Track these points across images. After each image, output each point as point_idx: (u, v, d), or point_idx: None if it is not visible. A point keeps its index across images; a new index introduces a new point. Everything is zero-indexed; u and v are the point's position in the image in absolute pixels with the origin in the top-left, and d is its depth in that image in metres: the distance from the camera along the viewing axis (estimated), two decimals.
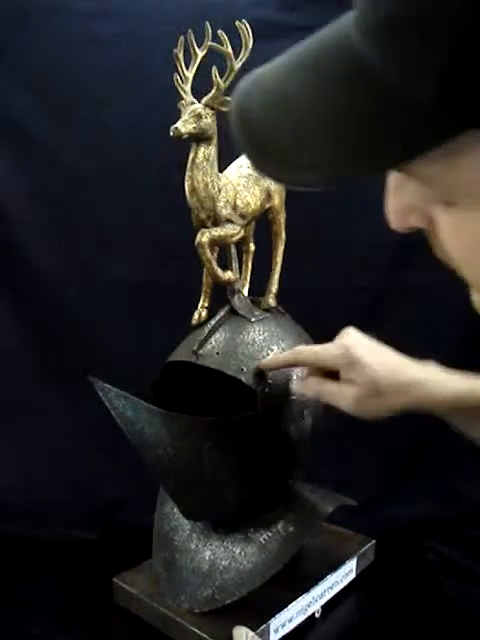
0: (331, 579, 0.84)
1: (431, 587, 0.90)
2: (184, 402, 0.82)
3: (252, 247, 0.89)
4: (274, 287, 0.86)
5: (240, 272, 0.85)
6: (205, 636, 0.72)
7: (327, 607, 0.83)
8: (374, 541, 0.92)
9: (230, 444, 0.70)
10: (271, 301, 0.85)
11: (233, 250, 0.81)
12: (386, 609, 0.87)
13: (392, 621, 0.84)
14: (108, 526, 1.03)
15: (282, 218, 0.86)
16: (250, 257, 0.89)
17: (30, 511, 1.04)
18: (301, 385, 0.65)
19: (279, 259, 0.87)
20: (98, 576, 0.91)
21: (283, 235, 0.87)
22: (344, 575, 0.86)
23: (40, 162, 1.09)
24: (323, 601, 0.82)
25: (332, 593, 0.84)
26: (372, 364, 0.58)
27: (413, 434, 1.18)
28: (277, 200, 0.84)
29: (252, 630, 0.72)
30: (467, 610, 0.85)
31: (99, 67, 1.07)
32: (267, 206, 0.83)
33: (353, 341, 0.61)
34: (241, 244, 0.88)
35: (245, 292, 0.87)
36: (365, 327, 1.16)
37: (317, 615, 0.82)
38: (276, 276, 0.86)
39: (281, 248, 0.87)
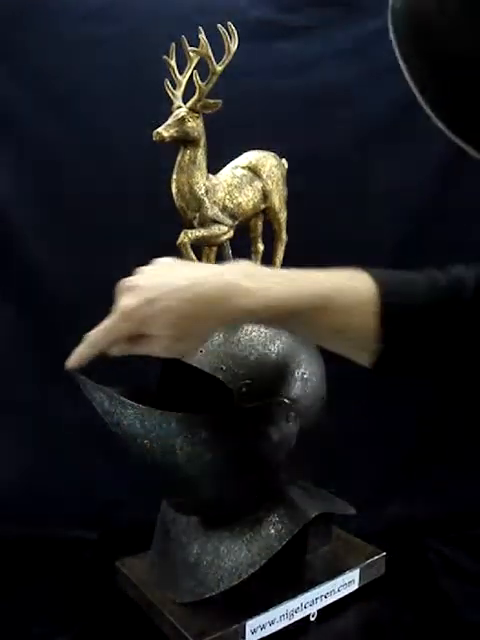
0: (326, 587, 0.83)
1: (431, 587, 0.90)
2: (187, 399, 0.83)
3: (260, 247, 0.89)
4: None
5: None
6: (178, 627, 0.74)
7: (325, 608, 0.83)
8: (384, 553, 0.90)
9: (203, 441, 0.70)
10: None
11: (229, 250, 0.82)
12: (386, 608, 0.87)
13: (392, 620, 0.84)
14: (108, 526, 1.04)
15: (282, 218, 0.86)
16: (259, 258, 0.90)
17: (30, 511, 1.04)
18: (113, 350, 0.57)
19: (278, 260, 0.87)
20: (98, 576, 0.91)
21: (283, 235, 0.88)
22: (343, 585, 0.85)
23: (40, 162, 1.09)
24: (314, 608, 0.82)
25: (327, 601, 0.83)
26: (160, 319, 0.51)
27: (413, 433, 1.18)
28: (275, 200, 0.84)
29: (227, 628, 0.73)
30: (467, 610, 0.85)
31: (99, 67, 1.07)
32: (262, 207, 0.84)
33: (130, 303, 0.53)
34: (250, 244, 0.89)
35: None
36: None
37: (312, 618, 0.82)
38: None
39: (281, 248, 0.87)
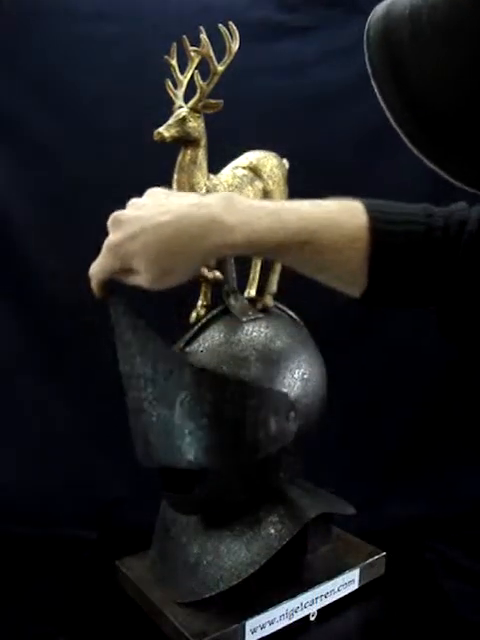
0: (326, 587, 0.83)
1: (431, 587, 0.91)
2: None
3: None
4: (273, 287, 0.86)
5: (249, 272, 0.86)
6: (178, 626, 0.74)
7: (325, 608, 0.83)
8: (384, 553, 0.90)
9: (207, 402, 0.70)
10: (268, 302, 0.85)
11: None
12: (386, 608, 0.87)
13: (391, 620, 0.84)
14: (108, 526, 1.03)
15: None
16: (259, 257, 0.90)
17: (30, 511, 1.04)
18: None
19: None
20: (98, 576, 0.91)
21: None
22: (343, 585, 0.85)
23: (40, 162, 1.09)
24: (314, 608, 0.82)
25: (327, 601, 0.83)
26: (142, 255, 0.52)
27: (413, 433, 1.18)
28: (276, 200, 0.84)
29: (227, 628, 0.74)
30: (467, 610, 0.85)
31: (99, 67, 1.07)
32: None
33: (114, 240, 0.54)
34: None
35: (253, 292, 0.87)
36: (365, 327, 1.17)
37: (312, 618, 0.82)
38: (275, 276, 0.86)
39: None
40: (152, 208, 0.53)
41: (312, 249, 0.50)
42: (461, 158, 0.33)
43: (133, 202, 0.56)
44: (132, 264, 0.53)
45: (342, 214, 0.51)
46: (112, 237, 0.55)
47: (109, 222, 0.56)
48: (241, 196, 0.54)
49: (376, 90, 0.33)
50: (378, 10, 0.33)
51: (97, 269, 0.57)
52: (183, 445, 0.72)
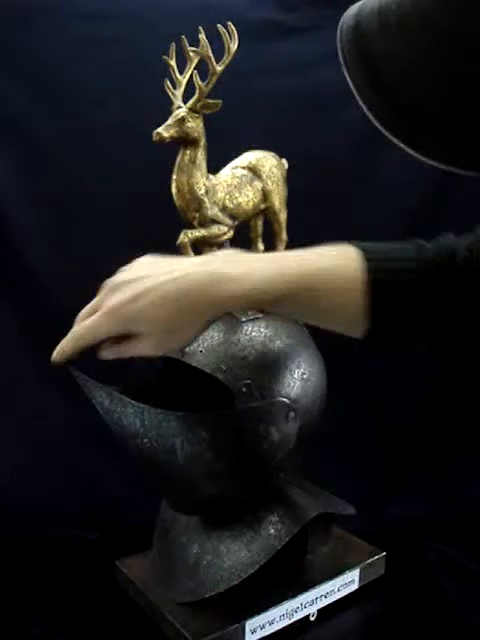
0: (325, 587, 0.83)
1: (431, 587, 0.90)
2: (186, 399, 0.83)
3: (261, 247, 0.89)
4: None
5: None
6: (178, 626, 0.74)
7: (325, 608, 0.83)
8: (384, 553, 0.90)
9: (203, 440, 0.70)
10: None
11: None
12: (385, 608, 0.87)
13: (391, 621, 0.84)
14: (108, 526, 1.04)
15: (282, 219, 0.86)
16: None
17: (30, 511, 1.04)
18: (103, 354, 0.56)
19: None
20: (98, 576, 0.91)
21: (283, 236, 0.88)
22: (343, 585, 0.85)
23: (40, 162, 1.09)
24: (314, 608, 0.82)
25: (327, 601, 0.83)
26: (147, 315, 0.51)
27: (413, 434, 1.18)
28: (275, 200, 0.84)
29: (226, 628, 0.73)
30: (467, 610, 0.85)
31: (99, 67, 1.07)
32: (262, 207, 0.84)
33: (114, 302, 0.52)
34: (250, 244, 0.89)
35: None
36: None
37: (312, 618, 0.82)
38: None
39: (281, 248, 0.87)
40: (154, 270, 0.53)
41: (314, 293, 0.51)
42: (435, 142, 0.34)
43: (128, 267, 0.56)
44: (134, 327, 0.52)
45: (340, 258, 0.52)
46: (110, 300, 0.52)
47: (103, 288, 0.54)
48: (237, 251, 0.55)
49: (349, 80, 0.35)
50: (351, 8, 0.35)
51: (86, 331, 0.53)
52: (196, 482, 0.73)
